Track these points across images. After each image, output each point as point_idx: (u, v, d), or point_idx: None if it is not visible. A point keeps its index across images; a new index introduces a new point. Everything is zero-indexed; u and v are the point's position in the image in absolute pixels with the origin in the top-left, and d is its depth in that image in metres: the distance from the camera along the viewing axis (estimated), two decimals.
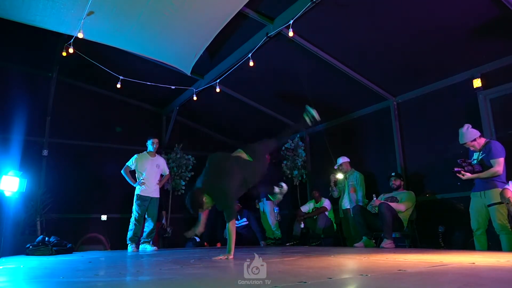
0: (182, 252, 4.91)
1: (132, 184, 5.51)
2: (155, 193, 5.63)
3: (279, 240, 6.59)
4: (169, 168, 7.37)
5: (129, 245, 5.38)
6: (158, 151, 7.51)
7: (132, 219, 5.45)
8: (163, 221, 7.10)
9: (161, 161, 5.85)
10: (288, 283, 1.78)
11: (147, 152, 5.75)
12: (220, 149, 8.74)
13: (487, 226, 3.89)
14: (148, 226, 5.51)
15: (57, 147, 6.83)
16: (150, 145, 5.74)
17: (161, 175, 5.86)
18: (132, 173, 5.66)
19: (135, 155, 5.67)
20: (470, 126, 3.98)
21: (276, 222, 6.67)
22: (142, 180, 5.48)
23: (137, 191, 5.51)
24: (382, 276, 1.96)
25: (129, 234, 5.39)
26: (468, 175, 3.88)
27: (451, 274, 2.04)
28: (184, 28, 4.86)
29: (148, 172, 5.57)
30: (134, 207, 5.48)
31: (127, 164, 5.62)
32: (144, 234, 5.51)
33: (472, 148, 4.03)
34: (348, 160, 5.88)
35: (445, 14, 4.10)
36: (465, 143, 3.99)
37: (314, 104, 6.32)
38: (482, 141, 3.96)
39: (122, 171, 5.56)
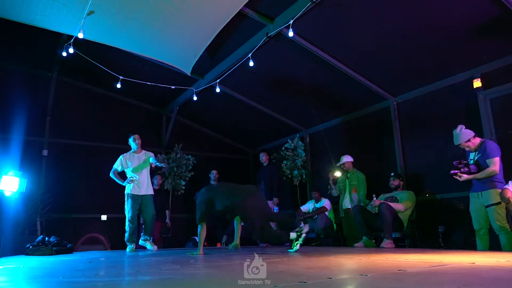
0: (182, 252, 4.91)
1: (122, 183, 5.36)
2: (147, 190, 5.44)
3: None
4: (169, 168, 7.35)
5: (127, 246, 5.32)
6: (158, 151, 7.52)
7: (126, 220, 5.30)
8: (167, 220, 7.08)
9: (147, 156, 5.55)
10: (288, 283, 1.78)
11: (133, 151, 5.51)
12: (219, 148, 8.78)
13: (489, 226, 3.88)
14: (146, 224, 5.43)
15: (57, 147, 6.84)
16: (132, 142, 5.48)
17: (152, 168, 5.63)
18: (123, 175, 5.48)
19: (120, 156, 5.45)
20: (464, 127, 3.97)
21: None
22: (131, 178, 5.32)
23: (127, 190, 5.33)
24: (382, 276, 1.96)
25: (126, 235, 5.28)
26: (465, 177, 3.88)
27: (451, 274, 2.04)
28: (184, 27, 4.86)
29: (135, 169, 5.39)
30: (126, 207, 5.31)
31: (113, 167, 5.41)
32: (142, 233, 5.45)
33: (467, 149, 4.03)
34: (352, 159, 5.87)
35: (445, 14, 4.10)
36: (460, 144, 3.99)
37: (314, 104, 6.37)
38: (477, 141, 3.96)
39: (110, 174, 5.39)
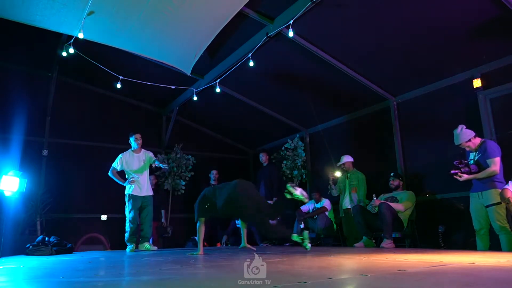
0: (182, 252, 4.91)
1: (122, 183, 5.35)
2: (148, 191, 5.45)
3: (279, 240, 6.59)
4: (169, 168, 7.34)
5: (127, 246, 5.32)
6: (158, 151, 7.51)
7: (127, 221, 5.30)
8: (163, 220, 7.08)
9: (147, 156, 5.54)
10: (288, 283, 1.78)
11: (132, 150, 5.51)
12: (219, 148, 8.78)
13: (489, 226, 3.88)
14: (145, 225, 5.42)
15: (57, 147, 6.84)
16: (134, 141, 5.46)
17: (153, 168, 5.64)
18: (122, 174, 5.47)
19: (120, 155, 5.42)
20: (464, 127, 3.98)
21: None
22: (132, 179, 5.31)
23: (128, 191, 5.32)
24: (382, 276, 1.96)
25: (126, 235, 5.27)
26: (465, 177, 3.87)
27: (451, 274, 2.04)
28: (184, 28, 4.86)
29: (135, 170, 5.38)
30: (127, 207, 5.31)
31: (112, 166, 5.39)
32: (142, 233, 5.44)
33: (467, 149, 4.03)
34: (352, 160, 5.87)
35: (445, 14, 4.11)
36: (460, 144, 3.99)
37: (314, 103, 6.37)
38: (478, 141, 3.96)
39: (109, 174, 5.37)
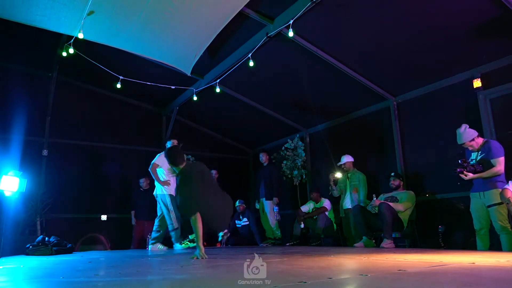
0: (182, 252, 4.91)
1: (159, 183, 5.51)
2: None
3: (279, 240, 6.59)
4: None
5: (176, 244, 5.43)
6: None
7: (173, 219, 5.43)
8: None
9: None
10: (288, 283, 1.78)
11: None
12: (219, 148, 8.79)
13: (490, 226, 3.88)
14: (163, 227, 5.58)
15: (57, 147, 6.83)
16: (170, 145, 5.70)
17: None
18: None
19: (159, 154, 5.66)
20: (467, 126, 3.97)
21: (276, 222, 6.67)
22: (168, 181, 5.51)
23: (167, 191, 5.50)
24: (382, 276, 1.97)
25: (174, 235, 5.43)
26: (470, 175, 3.86)
27: (451, 274, 2.04)
28: (184, 28, 4.86)
29: (169, 171, 5.57)
30: (171, 207, 5.45)
31: (154, 162, 5.58)
32: (173, 233, 5.55)
33: (470, 148, 4.02)
34: (352, 159, 5.87)
35: (445, 14, 4.11)
36: (463, 143, 3.98)
37: (314, 103, 6.37)
38: (480, 140, 3.95)
39: (149, 169, 5.54)
